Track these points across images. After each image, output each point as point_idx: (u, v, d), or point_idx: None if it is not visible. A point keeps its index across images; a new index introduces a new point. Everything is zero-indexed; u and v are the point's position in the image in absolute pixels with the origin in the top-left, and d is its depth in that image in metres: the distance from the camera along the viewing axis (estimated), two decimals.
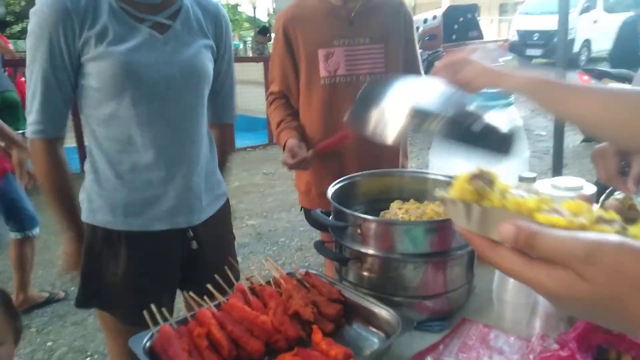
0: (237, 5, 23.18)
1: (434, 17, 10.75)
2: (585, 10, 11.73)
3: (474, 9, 12.03)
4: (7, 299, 0.96)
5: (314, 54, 1.47)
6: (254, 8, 22.44)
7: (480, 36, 11.77)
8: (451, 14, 11.34)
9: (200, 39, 1.11)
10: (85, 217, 1.12)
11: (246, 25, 22.88)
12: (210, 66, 1.13)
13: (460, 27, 11.23)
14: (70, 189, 1.12)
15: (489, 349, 0.81)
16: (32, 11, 0.99)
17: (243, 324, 0.80)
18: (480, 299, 0.97)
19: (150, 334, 0.77)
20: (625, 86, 0.74)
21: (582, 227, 0.37)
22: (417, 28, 11.14)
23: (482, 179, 0.41)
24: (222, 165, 1.32)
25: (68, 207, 1.12)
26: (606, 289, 0.34)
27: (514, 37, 12.69)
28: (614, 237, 0.34)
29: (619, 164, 0.91)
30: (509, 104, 1.15)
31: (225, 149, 1.35)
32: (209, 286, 0.89)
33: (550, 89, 0.73)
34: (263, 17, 21.47)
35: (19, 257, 2.55)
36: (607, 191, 1.17)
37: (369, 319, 0.86)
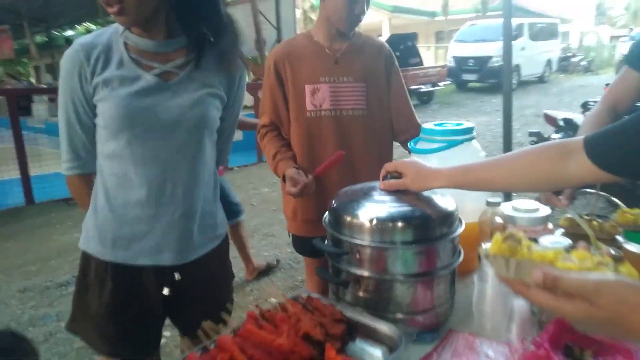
0: None
1: None
2: (514, 38, 12.76)
3: (414, 37, 12.76)
4: (31, 349, 0.96)
5: (302, 89, 1.59)
6: None
7: (420, 63, 12.48)
8: (393, 41, 11.96)
9: (207, 88, 1.18)
10: (81, 244, 1.19)
11: None
12: (214, 113, 1.19)
13: (402, 54, 11.85)
14: None
15: (476, 354, 0.94)
16: (60, 62, 1.11)
17: (261, 348, 0.88)
18: (462, 312, 1.09)
19: None
20: (523, 149, 0.97)
21: (589, 270, 0.55)
22: None
23: (512, 239, 0.60)
24: None
25: None
26: (612, 313, 0.51)
27: (450, 63, 13.54)
28: (612, 276, 0.53)
29: None
30: (472, 138, 1.31)
31: None
32: (207, 322, 0.95)
33: (465, 175, 0.98)
34: None
35: (237, 238, 3.13)
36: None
37: (371, 334, 0.95)
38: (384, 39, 12.12)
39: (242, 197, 5.32)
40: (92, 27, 19.22)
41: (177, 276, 1.20)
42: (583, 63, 17.75)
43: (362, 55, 1.63)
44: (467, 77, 13.32)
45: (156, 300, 1.20)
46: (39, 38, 18.66)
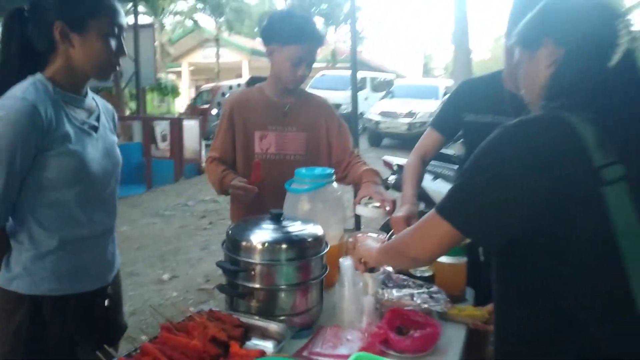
0: None
1: (239, 85, 11.75)
2: (359, 89, 14.42)
3: None
4: None
5: (251, 134, 1.86)
6: None
7: None
8: (253, 82, 12.48)
9: (112, 134, 1.40)
10: (27, 290, 1.21)
11: None
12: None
13: None
14: None
15: (339, 339, 1.28)
16: (5, 115, 1.11)
17: (178, 350, 1.09)
18: (328, 312, 1.43)
19: None
20: None
21: None
22: (223, 94, 11.99)
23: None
24: None
25: None
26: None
27: None
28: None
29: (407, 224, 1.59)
30: (332, 181, 1.70)
31: None
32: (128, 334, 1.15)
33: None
34: None
35: None
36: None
37: (263, 333, 1.23)
38: (244, 79, 12.68)
39: None
40: None
41: (109, 289, 1.40)
42: None
43: (306, 109, 1.95)
44: None
45: (100, 315, 1.37)
46: None
